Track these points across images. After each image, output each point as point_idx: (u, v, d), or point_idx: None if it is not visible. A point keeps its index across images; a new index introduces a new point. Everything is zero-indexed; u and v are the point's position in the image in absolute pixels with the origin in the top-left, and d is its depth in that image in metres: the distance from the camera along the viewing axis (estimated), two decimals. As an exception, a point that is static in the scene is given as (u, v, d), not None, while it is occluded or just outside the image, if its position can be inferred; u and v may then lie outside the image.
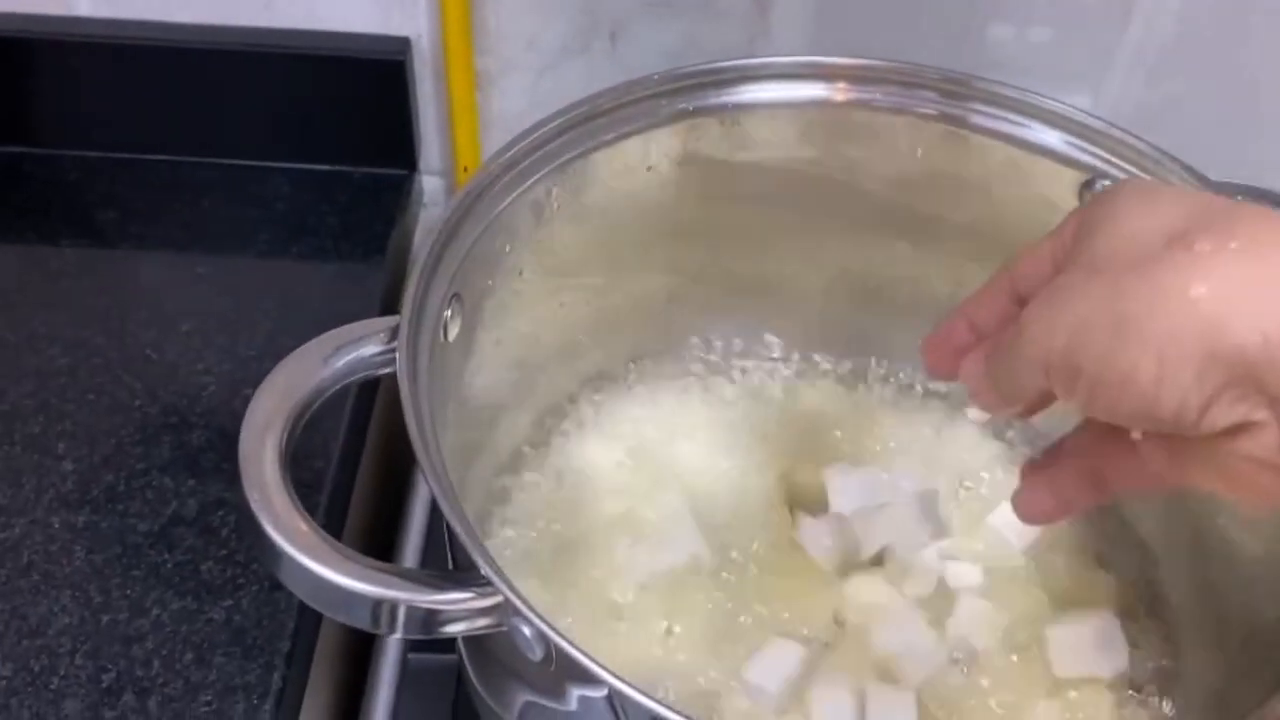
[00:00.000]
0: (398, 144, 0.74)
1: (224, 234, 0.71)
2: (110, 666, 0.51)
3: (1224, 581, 0.53)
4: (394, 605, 0.38)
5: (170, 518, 0.56)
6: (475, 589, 0.38)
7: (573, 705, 0.41)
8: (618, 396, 0.64)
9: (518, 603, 0.36)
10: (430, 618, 0.38)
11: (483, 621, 0.38)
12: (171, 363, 0.63)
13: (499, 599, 0.37)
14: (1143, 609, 0.57)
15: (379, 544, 0.67)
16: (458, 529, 0.37)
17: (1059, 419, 0.61)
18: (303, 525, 0.39)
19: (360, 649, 0.62)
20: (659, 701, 0.35)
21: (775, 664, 0.51)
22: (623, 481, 0.60)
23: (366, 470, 0.67)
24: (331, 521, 0.59)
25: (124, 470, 0.58)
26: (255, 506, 0.38)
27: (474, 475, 0.56)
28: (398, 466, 0.72)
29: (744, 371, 0.66)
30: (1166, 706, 0.53)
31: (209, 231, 0.71)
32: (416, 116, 0.74)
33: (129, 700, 0.50)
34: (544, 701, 0.43)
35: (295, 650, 0.52)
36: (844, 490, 0.58)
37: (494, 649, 0.45)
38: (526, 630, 0.37)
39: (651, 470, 0.60)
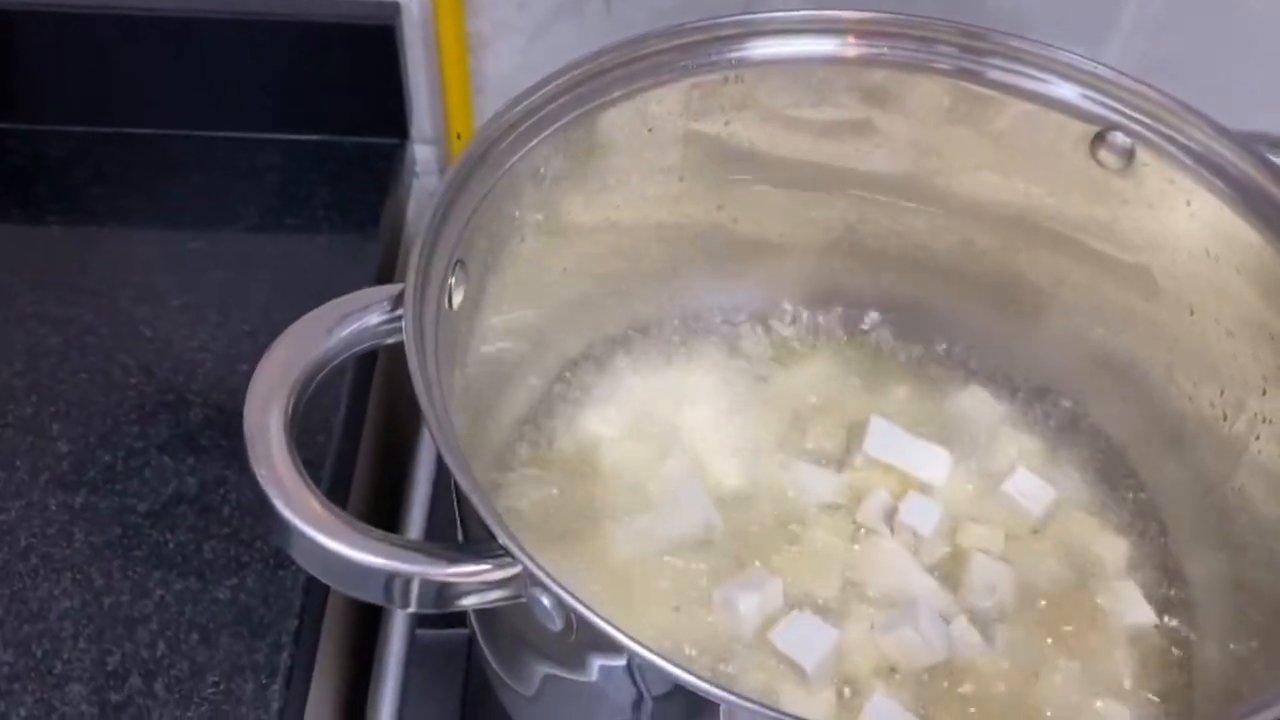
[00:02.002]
0: (389, 112, 0.73)
1: (214, 208, 0.70)
2: (114, 649, 0.50)
3: (1242, 539, 0.52)
4: (408, 579, 0.38)
5: (170, 497, 0.55)
6: (492, 560, 0.37)
7: (593, 676, 0.41)
8: (624, 364, 0.63)
9: (538, 572, 0.35)
10: (445, 590, 0.37)
11: (500, 593, 0.38)
12: (165, 339, 0.62)
13: (517, 569, 0.36)
14: (1159, 571, 0.57)
15: (383, 518, 0.66)
16: (475, 500, 0.36)
17: (1075, 385, 0.62)
18: (312, 500, 0.38)
19: (368, 626, 0.61)
20: (679, 666, 0.34)
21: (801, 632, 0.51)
22: (631, 450, 0.59)
23: (368, 444, 0.66)
24: (335, 497, 0.57)
25: (121, 449, 0.57)
26: (264, 482, 0.37)
27: (480, 446, 0.55)
28: (399, 440, 0.71)
29: (751, 335, 0.65)
30: (1185, 663, 0.52)
31: (199, 205, 0.70)
32: (407, 83, 0.72)
33: (135, 683, 0.49)
34: (563, 673, 0.42)
35: (303, 628, 0.51)
36: (878, 436, 0.58)
37: (508, 623, 0.44)
38: (545, 600, 0.36)
39: (660, 438, 0.59)
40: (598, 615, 0.34)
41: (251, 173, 0.71)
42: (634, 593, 0.54)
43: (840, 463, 0.59)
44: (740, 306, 0.65)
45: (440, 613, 0.37)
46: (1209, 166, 0.51)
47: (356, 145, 0.73)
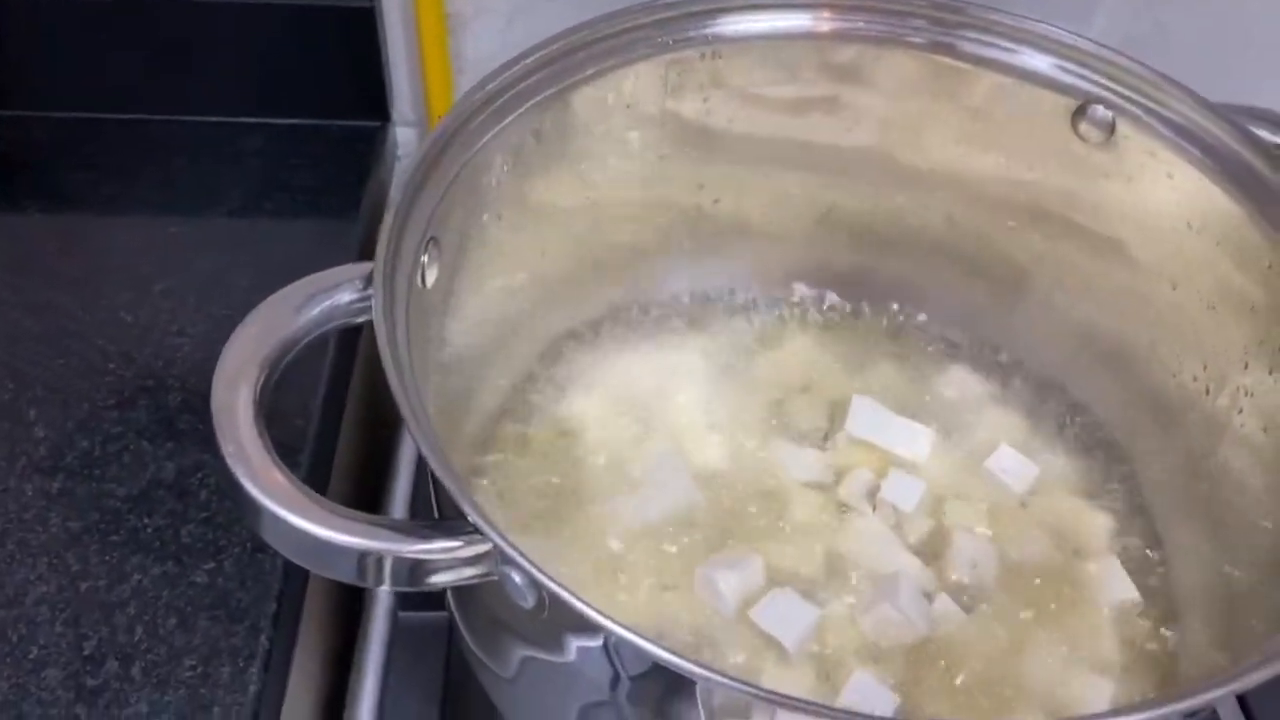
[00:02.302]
0: (370, 95, 0.72)
1: (196, 192, 0.69)
2: (91, 634, 0.49)
3: (1224, 514, 0.52)
4: (380, 557, 0.37)
5: (149, 482, 0.55)
6: (463, 537, 0.37)
7: (568, 655, 0.40)
8: (607, 344, 0.62)
9: (507, 548, 0.35)
10: (418, 568, 0.37)
11: (472, 571, 0.37)
12: (145, 325, 0.62)
13: (488, 546, 0.36)
14: (1142, 547, 0.56)
15: (366, 502, 0.66)
16: (441, 474, 0.36)
17: (1057, 362, 0.61)
18: (282, 478, 0.38)
19: (350, 609, 0.61)
20: (652, 642, 0.33)
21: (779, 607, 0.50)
22: (613, 431, 0.59)
23: (350, 428, 0.65)
24: (315, 481, 0.57)
25: (99, 435, 0.57)
26: (231, 460, 0.37)
27: (460, 428, 0.55)
28: (382, 423, 0.70)
29: (733, 315, 0.65)
30: (1167, 637, 0.52)
31: (180, 190, 0.69)
32: (388, 65, 0.72)
33: (112, 667, 0.48)
34: (539, 654, 0.42)
35: (281, 612, 0.51)
36: (860, 415, 0.58)
37: (485, 603, 0.44)
38: (517, 577, 0.36)
39: (642, 419, 0.59)
40: (568, 590, 0.34)
41: (233, 157, 0.71)
42: (616, 573, 0.53)
43: (822, 442, 0.59)
44: (723, 286, 0.65)
45: (414, 591, 0.37)
46: (1190, 139, 0.51)
47: (338, 128, 0.73)
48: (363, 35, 0.69)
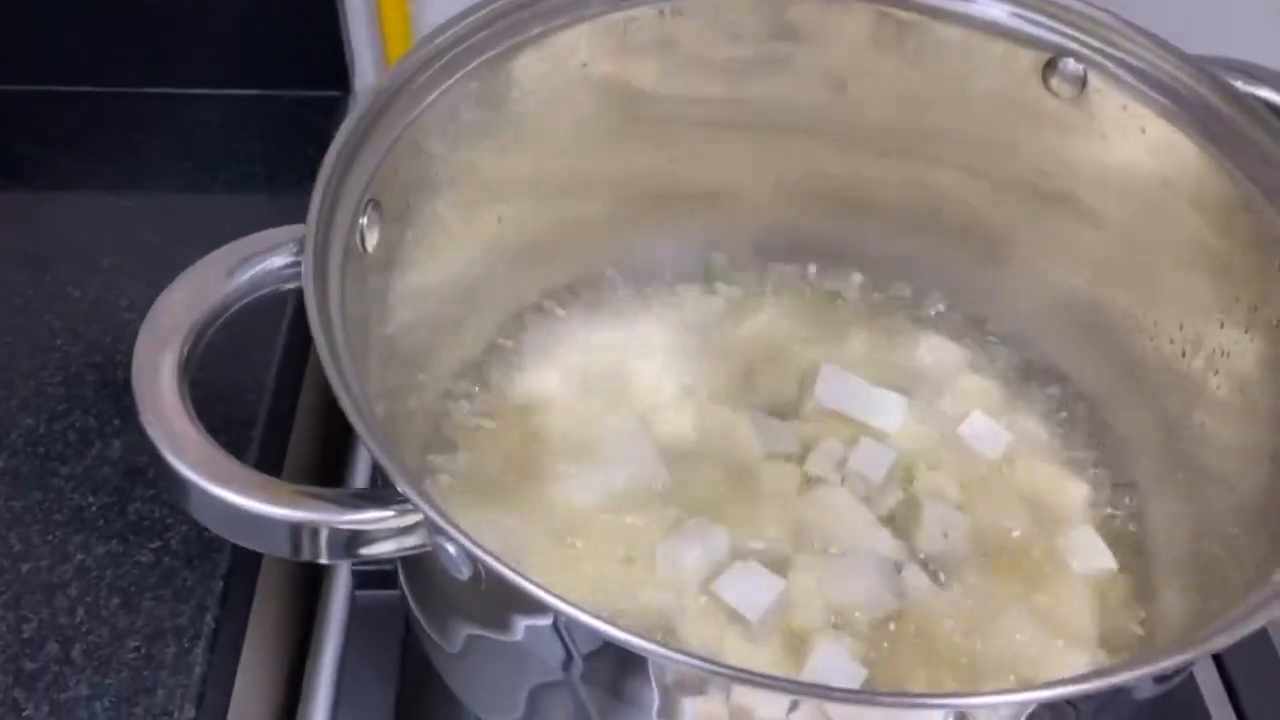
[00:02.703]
0: (329, 64, 0.70)
1: (148, 166, 0.67)
2: (31, 616, 0.48)
3: (1201, 478, 0.51)
4: (315, 529, 0.36)
5: (94, 459, 0.53)
6: (395, 507, 0.35)
7: (516, 633, 0.39)
8: (570, 316, 0.61)
9: (436, 517, 0.33)
10: (354, 540, 0.35)
11: (408, 541, 0.36)
12: (94, 300, 0.60)
13: (419, 516, 0.35)
14: (1119, 515, 0.55)
15: (325, 478, 0.64)
16: (367, 440, 0.34)
17: (1033, 327, 0.60)
18: (209, 449, 0.36)
19: (307, 589, 0.59)
20: (590, 614, 0.32)
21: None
22: (577, 404, 0.57)
23: (310, 401, 0.64)
24: (268, 458, 0.56)
25: (45, 412, 0.55)
26: (152, 430, 0.35)
27: (417, 400, 0.54)
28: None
29: (700, 285, 0.63)
30: (1144, 606, 0.51)
31: (132, 164, 0.67)
32: (347, 34, 0.70)
33: (52, 650, 0.47)
34: (486, 632, 0.41)
35: (230, 591, 0.50)
36: (829, 384, 0.56)
37: (430, 578, 0.43)
38: (451, 548, 0.34)
39: (607, 391, 0.58)
40: (500, 560, 0.32)
41: (187, 129, 0.69)
42: (579, 547, 0.52)
43: (791, 412, 0.57)
44: (688, 256, 0.63)
45: (350, 562, 0.35)
46: (1163, 91, 0.49)
47: (296, 99, 0.71)
48: (321, 3, 0.67)
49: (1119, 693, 0.40)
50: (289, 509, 0.35)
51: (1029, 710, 0.37)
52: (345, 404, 0.34)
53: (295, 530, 0.35)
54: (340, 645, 0.54)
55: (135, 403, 0.36)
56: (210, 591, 0.49)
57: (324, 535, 0.35)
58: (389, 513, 0.35)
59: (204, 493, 0.35)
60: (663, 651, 0.33)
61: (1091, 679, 0.33)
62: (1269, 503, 0.43)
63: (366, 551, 0.35)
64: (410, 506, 0.34)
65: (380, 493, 0.36)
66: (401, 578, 0.47)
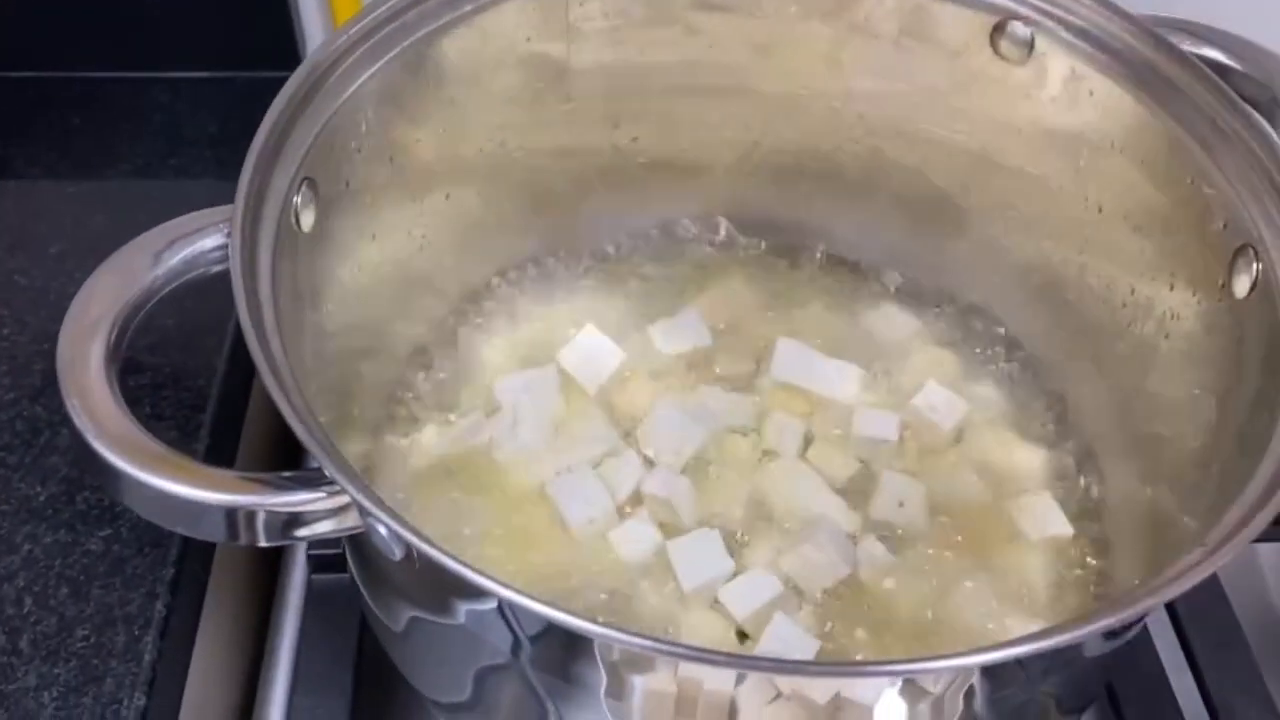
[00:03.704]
0: (280, 45, 0.69)
1: (95, 151, 0.66)
2: (-23, 607, 0.47)
3: (1155, 442, 0.50)
4: (250, 512, 0.35)
5: (42, 448, 0.53)
6: (324, 488, 0.35)
7: (458, 617, 0.38)
8: (521, 293, 0.60)
9: (361, 498, 0.33)
10: (291, 521, 0.35)
11: (341, 523, 0.35)
12: (41, 288, 0.59)
13: (347, 498, 0.34)
14: (1075, 482, 0.55)
15: (282, 463, 0.63)
16: (290, 418, 0.34)
17: (989, 296, 0.60)
18: (140, 437, 0.36)
19: (265, 573, 0.59)
20: (533, 599, 0.32)
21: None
22: (532, 381, 0.57)
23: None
24: (220, 444, 0.55)
25: (-10, 402, 0.54)
26: (77, 417, 0.35)
27: (367, 381, 0.53)
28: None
29: (656, 259, 0.62)
30: (1099, 571, 0.51)
31: (78, 150, 0.66)
32: (297, 13, 0.69)
33: (-1, 641, 0.47)
34: (428, 615, 0.40)
35: (181, 577, 0.49)
36: (787, 358, 0.56)
37: (373, 561, 0.42)
38: (381, 529, 0.34)
39: (562, 369, 0.57)
40: (424, 539, 0.32)
41: (136, 113, 0.68)
42: (532, 526, 0.52)
43: (748, 386, 0.57)
44: (643, 230, 0.62)
45: (291, 543, 0.35)
46: (1109, 52, 0.49)
47: (247, 81, 0.70)
48: (269, -18, 0.67)
49: (1070, 655, 0.40)
50: (221, 493, 0.35)
51: (974, 676, 0.37)
52: (268, 381, 0.34)
53: (230, 514, 0.35)
54: (297, 629, 0.54)
55: (60, 393, 0.35)
56: (160, 579, 0.49)
57: (260, 518, 0.35)
58: (319, 494, 0.35)
59: (135, 481, 0.35)
60: (603, 631, 0.33)
61: (1031, 640, 0.33)
62: (1216, 461, 0.43)
63: (305, 533, 0.35)
64: (338, 488, 0.34)
65: (314, 475, 0.35)
66: (349, 561, 0.47)
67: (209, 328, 0.58)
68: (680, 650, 0.35)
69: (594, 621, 0.32)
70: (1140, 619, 0.42)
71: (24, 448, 0.53)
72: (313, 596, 0.54)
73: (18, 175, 0.65)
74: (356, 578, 0.46)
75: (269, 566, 0.58)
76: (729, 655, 0.35)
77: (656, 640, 0.34)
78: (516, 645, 0.38)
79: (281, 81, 0.69)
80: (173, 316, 0.57)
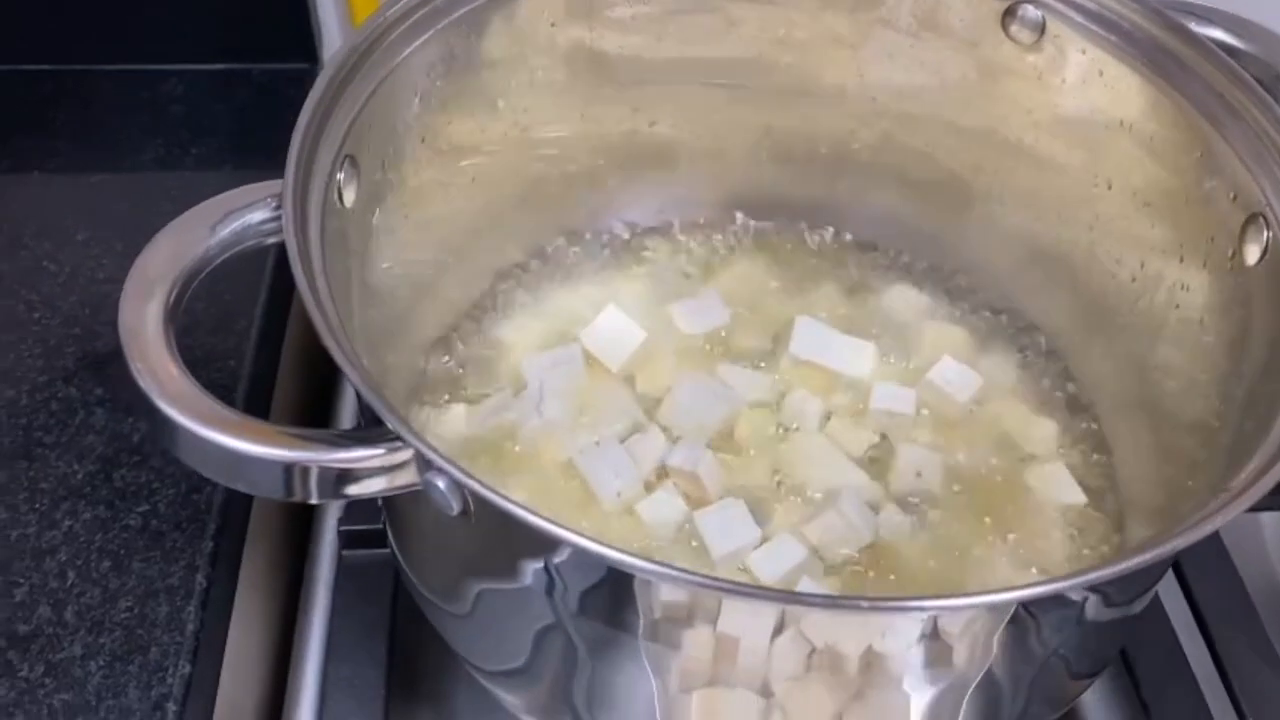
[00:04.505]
0: (296, 36, 0.71)
1: (116, 143, 0.68)
2: (22, 580, 0.48)
3: (1166, 410, 0.52)
4: (305, 468, 0.36)
5: (78, 427, 0.54)
6: (385, 444, 0.36)
7: (512, 571, 0.39)
8: (547, 274, 0.62)
9: (427, 451, 0.34)
10: (343, 477, 0.36)
11: (398, 480, 0.37)
12: (70, 273, 0.60)
13: (409, 453, 0.35)
14: (1088, 451, 0.56)
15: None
16: (353, 378, 0.35)
17: (1000, 272, 0.61)
18: (199, 394, 0.37)
19: (295, 550, 0.60)
20: (578, 533, 0.33)
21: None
22: (559, 358, 0.58)
23: (289, 369, 0.64)
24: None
25: (25, 384, 0.55)
26: (140, 377, 0.36)
27: (399, 356, 0.54)
28: (325, 372, 0.69)
29: (677, 242, 0.64)
30: (1113, 539, 0.52)
31: (100, 141, 0.68)
32: (314, 4, 0.70)
33: (44, 613, 0.47)
34: (485, 579, 0.41)
35: (219, 550, 0.50)
36: (805, 336, 0.57)
37: (417, 524, 0.43)
38: (440, 482, 0.35)
39: (587, 348, 0.58)
40: (486, 486, 0.33)
41: (155, 105, 0.70)
42: (561, 501, 0.53)
43: (766, 363, 0.58)
44: (664, 214, 0.64)
45: (334, 500, 0.36)
46: (1119, 33, 0.51)
47: (264, 73, 0.71)
48: (286, -26, 0.68)
49: (1088, 617, 0.41)
50: (281, 449, 0.36)
51: (999, 619, 0.38)
52: (329, 343, 0.35)
53: (288, 470, 0.36)
54: (329, 603, 0.55)
55: (123, 352, 0.36)
56: (200, 551, 0.50)
57: (314, 474, 0.36)
58: (379, 450, 0.36)
59: (195, 436, 0.36)
60: (643, 565, 0.34)
61: (1069, 578, 0.34)
62: (1226, 429, 0.45)
63: (354, 490, 0.36)
64: (400, 444, 0.35)
65: (368, 432, 0.37)
66: (389, 531, 0.48)
67: (238, 312, 0.59)
68: (721, 584, 0.35)
69: (670, 566, 0.33)
70: (1164, 566, 0.43)
71: (60, 428, 0.54)
72: (343, 572, 0.55)
73: (41, 167, 0.66)
74: (396, 548, 0.47)
75: (299, 544, 0.59)
76: (764, 590, 0.36)
77: (699, 575, 0.35)
78: (567, 599, 0.39)
79: (297, 73, 0.72)
80: (202, 299, 0.58)
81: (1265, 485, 0.36)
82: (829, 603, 0.36)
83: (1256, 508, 0.60)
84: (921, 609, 0.35)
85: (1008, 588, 0.34)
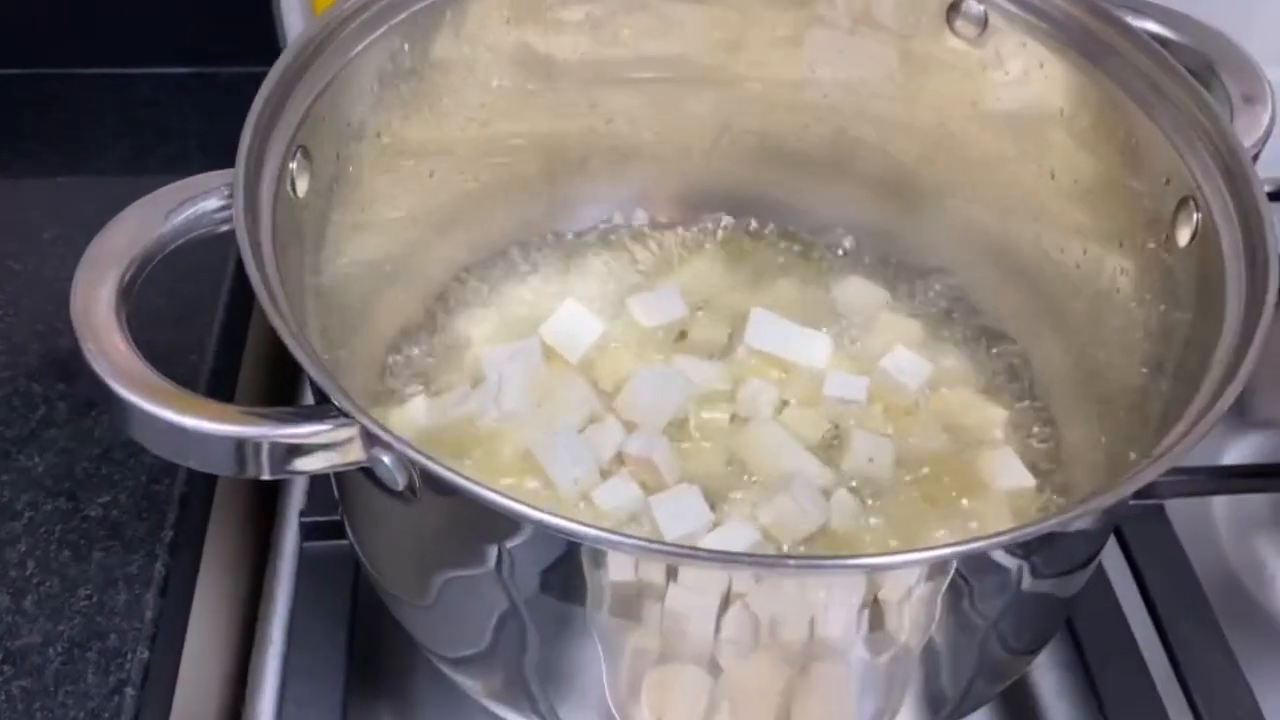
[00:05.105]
0: (261, 40, 0.72)
1: (82, 145, 0.68)
2: (-19, 570, 0.49)
3: (1109, 393, 0.53)
4: (257, 444, 0.37)
5: (39, 422, 0.54)
6: (331, 420, 0.37)
7: (465, 554, 0.40)
8: (504, 272, 0.63)
9: (371, 425, 0.35)
10: (292, 451, 0.37)
11: (348, 456, 0.37)
12: (34, 271, 0.61)
13: (355, 429, 0.36)
14: (1037, 436, 0.57)
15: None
16: (293, 347, 0.36)
17: (950, 263, 0.62)
18: (151, 375, 0.37)
19: (257, 540, 0.60)
20: (521, 503, 0.34)
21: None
22: (518, 351, 0.58)
23: (253, 372, 0.65)
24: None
25: (-13, 380, 0.56)
26: (93, 359, 0.37)
27: (358, 350, 0.55)
28: (289, 369, 0.70)
29: (634, 238, 0.65)
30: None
31: (66, 143, 0.68)
32: (278, 7, 0.71)
33: (3, 601, 0.48)
34: (435, 558, 0.42)
35: (179, 539, 0.51)
36: (761, 327, 0.58)
37: (368, 505, 0.44)
38: (385, 457, 0.36)
39: (545, 342, 0.59)
40: (427, 455, 0.34)
41: (122, 108, 0.70)
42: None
43: (724, 354, 0.59)
44: (624, 209, 0.65)
45: (283, 476, 0.37)
46: (1055, 25, 0.52)
47: (230, 76, 0.72)
48: (249, -22, 0.69)
49: (1019, 579, 0.42)
50: (232, 425, 0.36)
51: (936, 585, 0.39)
52: (276, 322, 0.36)
53: (239, 445, 0.37)
54: (291, 593, 0.55)
55: (76, 335, 0.37)
56: (159, 540, 0.50)
57: (265, 450, 0.37)
58: (326, 426, 0.36)
59: (147, 414, 0.36)
60: (593, 533, 0.35)
61: (1004, 534, 0.35)
62: (1159, 400, 0.46)
63: (303, 464, 0.37)
64: (346, 420, 0.36)
65: (317, 409, 0.37)
66: (344, 517, 0.48)
67: (201, 307, 0.60)
68: (666, 549, 0.36)
69: (591, 525, 0.34)
70: (1098, 537, 0.45)
71: (21, 422, 0.54)
72: (305, 561, 0.56)
73: (7, 169, 0.67)
74: (353, 538, 0.48)
75: (262, 535, 0.60)
76: (707, 552, 0.36)
77: (649, 540, 0.36)
78: (515, 576, 0.40)
79: (263, 76, 0.72)
80: (164, 296, 0.58)
81: (1182, 451, 0.37)
82: (758, 562, 0.37)
83: (1205, 491, 0.62)
84: (848, 567, 0.36)
85: (933, 545, 0.35)
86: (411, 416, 0.56)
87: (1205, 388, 0.40)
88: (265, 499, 0.61)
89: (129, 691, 0.46)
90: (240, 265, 0.61)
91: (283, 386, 0.68)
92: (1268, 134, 0.48)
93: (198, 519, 0.53)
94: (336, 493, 0.49)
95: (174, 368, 0.55)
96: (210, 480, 0.55)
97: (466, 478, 0.34)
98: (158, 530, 0.50)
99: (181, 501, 0.52)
